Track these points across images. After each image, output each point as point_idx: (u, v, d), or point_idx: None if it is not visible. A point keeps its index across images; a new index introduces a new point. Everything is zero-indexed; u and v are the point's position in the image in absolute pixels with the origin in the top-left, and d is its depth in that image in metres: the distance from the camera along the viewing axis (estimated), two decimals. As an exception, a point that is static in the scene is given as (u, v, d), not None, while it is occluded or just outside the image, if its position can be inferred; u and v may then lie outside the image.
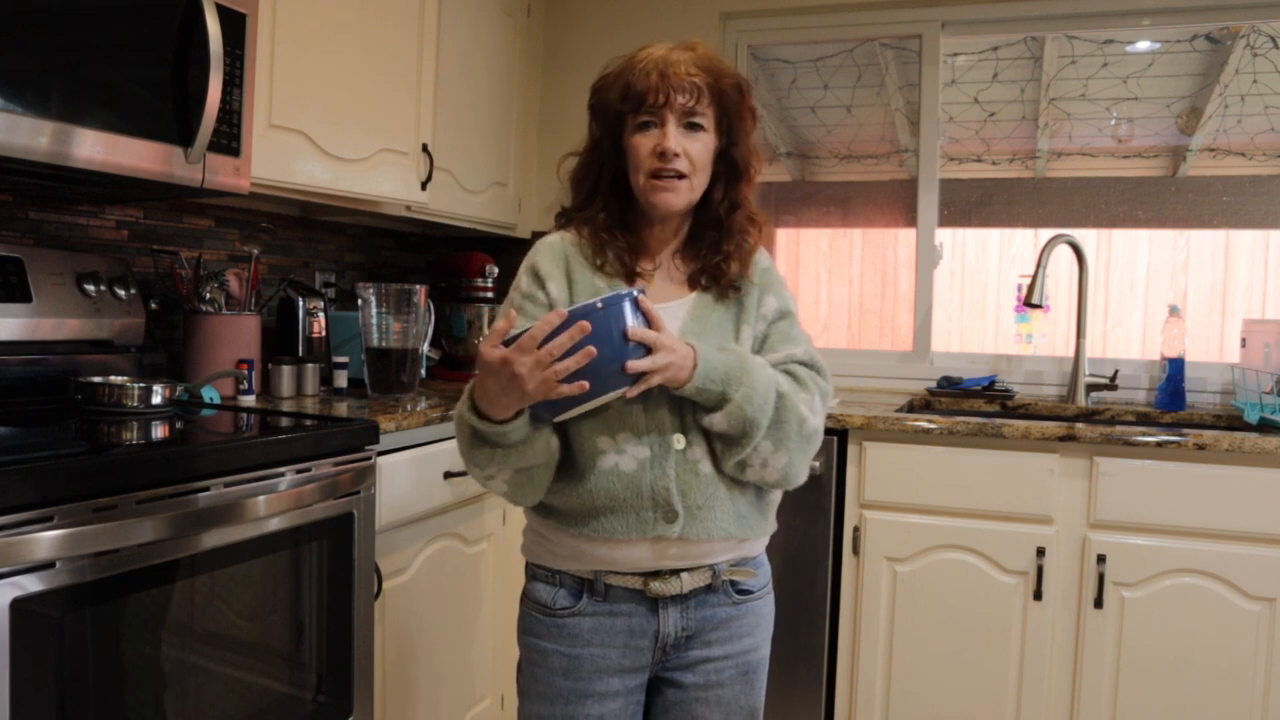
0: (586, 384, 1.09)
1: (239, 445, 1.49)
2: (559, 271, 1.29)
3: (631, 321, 1.11)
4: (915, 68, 2.85)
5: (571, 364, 1.07)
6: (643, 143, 1.24)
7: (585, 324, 1.07)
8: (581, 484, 1.22)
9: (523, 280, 1.31)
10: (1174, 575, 2.02)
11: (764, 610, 1.35)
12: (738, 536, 1.26)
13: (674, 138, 1.23)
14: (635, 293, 1.13)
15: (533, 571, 1.33)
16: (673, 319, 1.26)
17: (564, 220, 1.36)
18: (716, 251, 1.30)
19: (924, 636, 2.17)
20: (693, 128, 1.24)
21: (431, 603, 2.00)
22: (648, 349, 1.12)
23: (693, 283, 1.31)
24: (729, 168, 1.30)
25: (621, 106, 1.25)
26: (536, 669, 1.29)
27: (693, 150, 1.24)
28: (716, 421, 1.19)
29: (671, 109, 1.23)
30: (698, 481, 1.22)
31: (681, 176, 1.24)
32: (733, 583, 1.29)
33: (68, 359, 1.80)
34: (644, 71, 1.23)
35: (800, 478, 1.27)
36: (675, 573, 1.25)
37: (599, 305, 1.09)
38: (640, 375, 1.12)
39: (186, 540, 1.35)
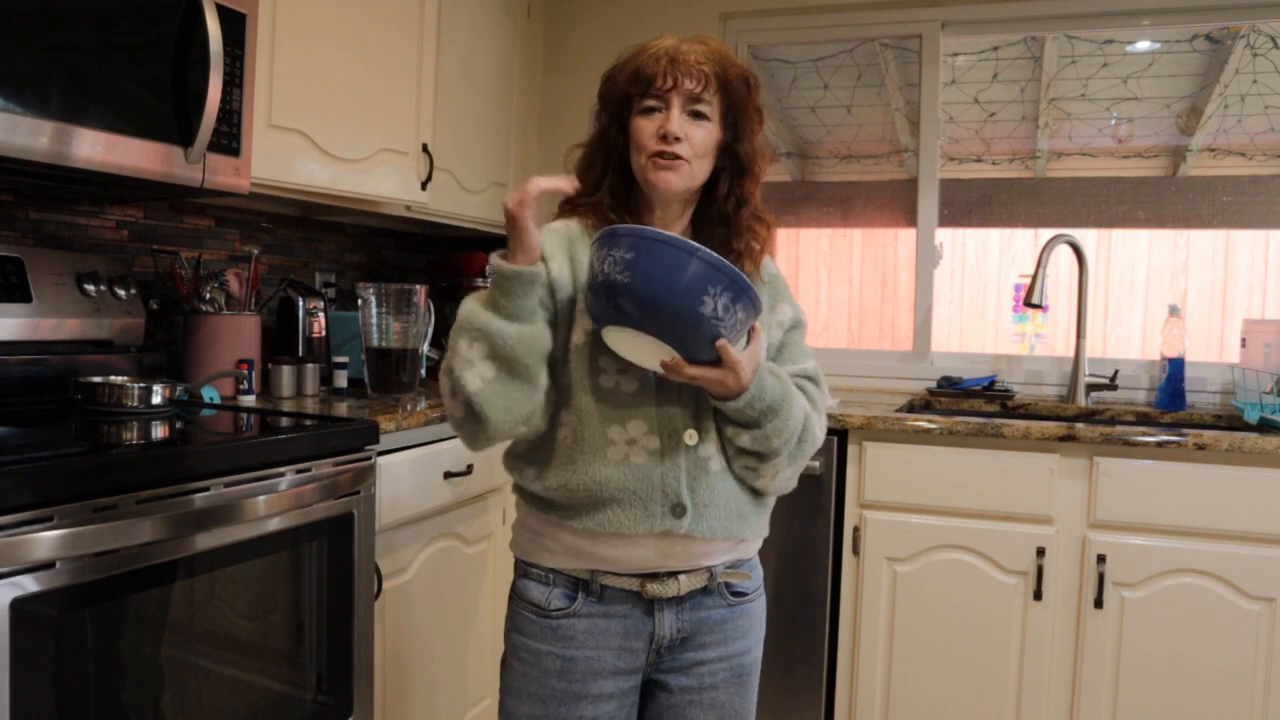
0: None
1: (239, 445, 1.49)
2: (562, 254, 1.27)
3: (741, 315, 1.11)
4: (915, 68, 2.85)
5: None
6: (646, 125, 1.24)
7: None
8: (589, 474, 1.21)
9: None
10: (1174, 575, 2.02)
11: (757, 612, 1.35)
12: (738, 536, 1.26)
13: (677, 121, 1.23)
14: (757, 297, 1.12)
15: (524, 569, 1.31)
16: None
17: (568, 208, 1.35)
18: (728, 250, 1.29)
19: (924, 636, 2.17)
20: (697, 116, 1.24)
21: (431, 603, 2.00)
22: (715, 333, 1.11)
23: None
24: (735, 163, 1.29)
25: (629, 89, 1.26)
26: (529, 669, 1.28)
27: (695, 136, 1.24)
28: (743, 440, 1.22)
29: (678, 93, 1.23)
30: (707, 479, 1.23)
31: (682, 160, 1.24)
32: (728, 585, 1.30)
33: (68, 359, 1.80)
34: (654, 57, 1.24)
35: (793, 487, 1.32)
36: (673, 575, 1.25)
37: (722, 266, 1.08)
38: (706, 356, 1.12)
39: (186, 540, 1.35)
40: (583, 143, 1.36)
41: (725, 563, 1.29)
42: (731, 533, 1.25)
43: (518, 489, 1.32)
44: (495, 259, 1.17)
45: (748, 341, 1.19)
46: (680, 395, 1.22)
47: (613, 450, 1.21)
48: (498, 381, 1.17)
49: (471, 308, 1.19)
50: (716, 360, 1.13)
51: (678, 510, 1.21)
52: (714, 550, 1.26)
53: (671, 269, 1.07)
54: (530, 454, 1.29)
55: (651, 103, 1.24)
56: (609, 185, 1.30)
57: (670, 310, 1.09)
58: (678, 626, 1.27)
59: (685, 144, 1.23)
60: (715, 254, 1.09)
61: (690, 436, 1.22)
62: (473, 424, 1.20)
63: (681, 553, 1.24)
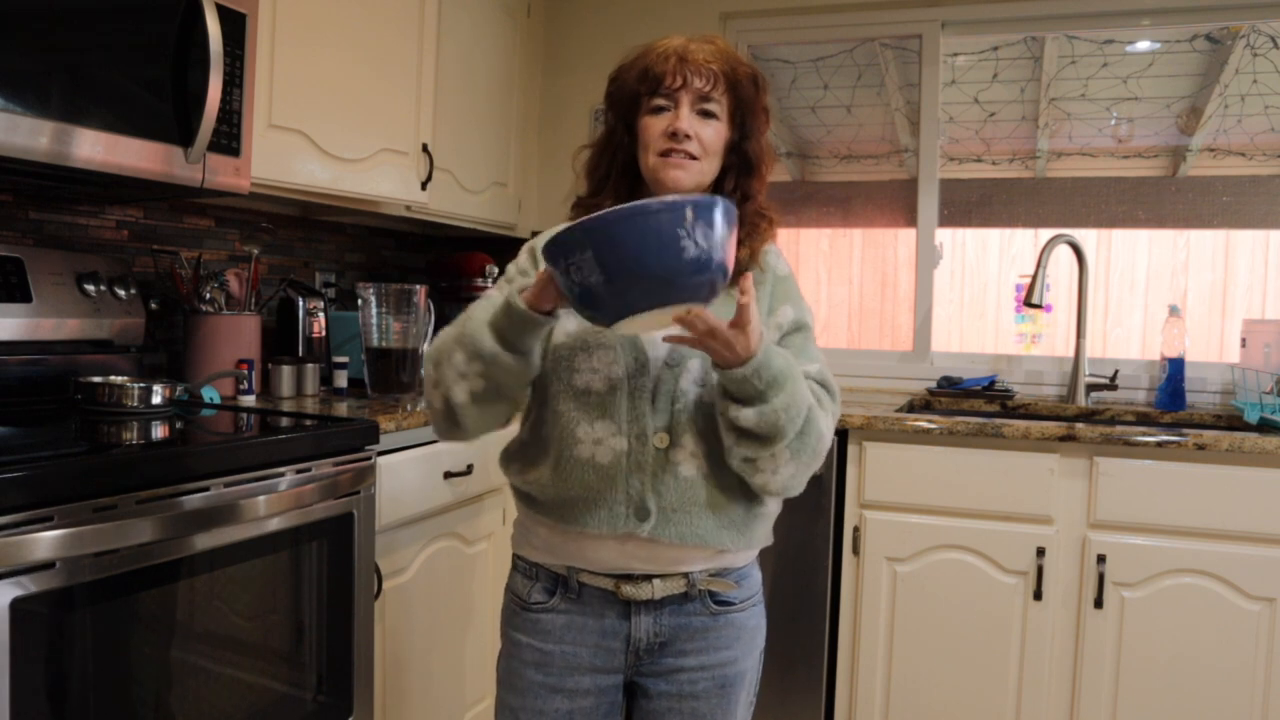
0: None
1: (239, 445, 1.49)
2: None
3: (721, 229, 1.01)
4: (915, 68, 2.85)
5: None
6: (655, 124, 1.24)
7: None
8: (557, 471, 1.22)
9: (521, 258, 1.34)
10: (1174, 575, 2.02)
11: (746, 623, 1.30)
12: (715, 547, 1.23)
13: (687, 119, 1.23)
14: (725, 202, 1.01)
15: (515, 562, 1.34)
16: None
17: (579, 210, 1.35)
18: None
19: (924, 636, 2.17)
20: (706, 115, 1.24)
21: (431, 603, 2.00)
22: (724, 269, 1.03)
23: None
24: (742, 161, 1.29)
25: (638, 88, 1.25)
26: (512, 660, 1.30)
27: (704, 134, 1.24)
28: (747, 417, 1.14)
29: (687, 91, 1.23)
30: (676, 484, 1.20)
31: (692, 158, 1.23)
32: (711, 593, 1.26)
33: (68, 359, 1.80)
34: (662, 56, 1.24)
35: (798, 490, 1.24)
36: (647, 578, 1.23)
37: (675, 204, 0.98)
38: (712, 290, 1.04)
39: (186, 540, 1.35)
40: (589, 144, 1.36)
41: (707, 571, 1.25)
42: (706, 541, 1.22)
43: (511, 484, 1.34)
44: (515, 298, 1.14)
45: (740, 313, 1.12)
46: (653, 398, 1.20)
47: (580, 449, 1.21)
48: (484, 399, 1.21)
49: (478, 327, 1.17)
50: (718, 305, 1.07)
51: (641, 513, 1.19)
52: (689, 557, 1.23)
53: (633, 240, 0.98)
54: (518, 451, 1.31)
55: (660, 101, 1.24)
56: (612, 185, 1.30)
57: (660, 276, 1.00)
58: (655, 631, 1.25)
59: (695, 142, 1.23)
60: (658, 199, 1.00)
61: (660, 440, 1.20)
62: (448, 424, 1.25)
63: (649, 556, 1.22)
